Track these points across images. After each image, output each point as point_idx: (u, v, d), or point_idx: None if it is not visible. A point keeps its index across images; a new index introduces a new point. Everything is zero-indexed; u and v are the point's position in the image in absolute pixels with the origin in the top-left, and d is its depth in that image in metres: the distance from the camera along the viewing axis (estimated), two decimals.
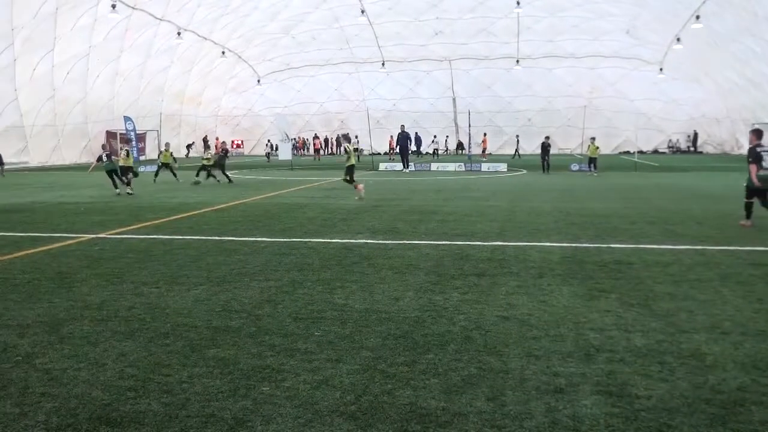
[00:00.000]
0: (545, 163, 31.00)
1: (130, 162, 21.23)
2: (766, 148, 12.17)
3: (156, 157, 44.46)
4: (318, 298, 6.78)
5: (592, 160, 29.78)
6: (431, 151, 53.49)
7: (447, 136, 60.80)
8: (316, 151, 53.66)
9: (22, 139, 38.14)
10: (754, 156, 12.04)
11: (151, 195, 19.70)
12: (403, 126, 34.33)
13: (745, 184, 12.33)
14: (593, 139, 30.74)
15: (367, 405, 4.11)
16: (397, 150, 34.73)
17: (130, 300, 6.76)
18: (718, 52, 45.27)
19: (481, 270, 8.14)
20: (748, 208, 12.16)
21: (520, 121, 57.26)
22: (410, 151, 35.61)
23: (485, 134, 50.77)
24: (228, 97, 61.95)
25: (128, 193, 19.74)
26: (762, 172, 11.90)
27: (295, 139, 58.60)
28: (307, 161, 47.01)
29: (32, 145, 39.07)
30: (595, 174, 28.39)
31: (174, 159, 26.61)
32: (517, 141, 52.74)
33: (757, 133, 12.57)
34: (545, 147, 31.57)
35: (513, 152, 51.64)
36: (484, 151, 48.38)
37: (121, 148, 22.27)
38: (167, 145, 27.56)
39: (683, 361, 4.86)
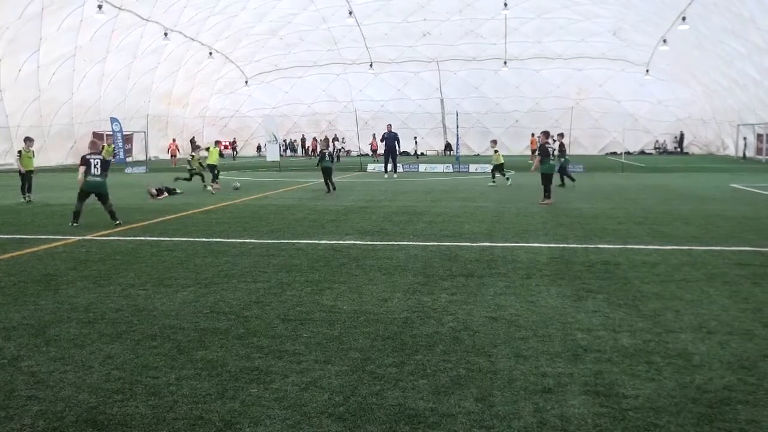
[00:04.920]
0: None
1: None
2: (551, 145, 16.99)
3: (145, 157, 44.29)
4: (306, 300, 6.77)
5: (497, 168, 22.91)
6: (411, 152, 53.24)
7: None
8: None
9: (7, 140, 37.75)
10: (544, 151, 16.13)
11: (138, 197, 19.57)
12: (389, 125, 32.25)
13: (540, 172, 16.19)
14: (494, 142, 24.47)
15: (356, 406, 4.10)
16: (382, 152, 32.92)
17: (117, 302, 6.71)
18: (704, 54, 45.61)
19: (469, 271, 8.16)
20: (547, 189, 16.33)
21: (507, 122, 57.50)
22: (398, 153, 33.21)
23: (533, 134, 49.13)
24: (215, 98, 61.73)
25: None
26: (551, 163, 16.13)
27: (287, 141, 58.63)
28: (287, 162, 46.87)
29: (17, 147, 38.59)
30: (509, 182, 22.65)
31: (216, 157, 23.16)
32: None
33: (546, 134, 16.59)
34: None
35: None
36: (534, 152, 46.65)
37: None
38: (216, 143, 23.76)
39: (670, 360, 4.90)
